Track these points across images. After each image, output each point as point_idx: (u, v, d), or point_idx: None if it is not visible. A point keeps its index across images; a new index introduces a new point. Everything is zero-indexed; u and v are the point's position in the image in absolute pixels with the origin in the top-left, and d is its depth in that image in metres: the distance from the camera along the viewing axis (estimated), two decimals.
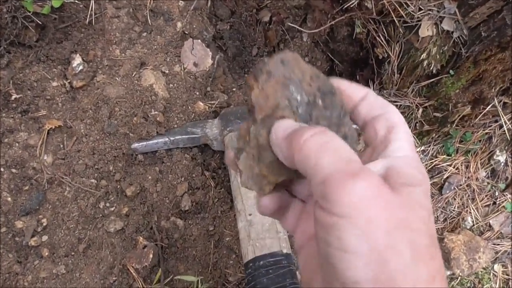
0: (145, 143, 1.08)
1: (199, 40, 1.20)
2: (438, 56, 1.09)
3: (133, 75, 1.13)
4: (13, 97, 1.04)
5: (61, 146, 1.08)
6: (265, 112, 0.31)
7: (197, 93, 1.19)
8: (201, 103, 1.17)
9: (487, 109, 1.15)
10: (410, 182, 0.27)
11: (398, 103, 1.21)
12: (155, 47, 1.17)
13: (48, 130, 1.06)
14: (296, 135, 0.28)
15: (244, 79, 1.26)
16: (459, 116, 1.17)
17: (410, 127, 1.25)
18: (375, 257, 0.23)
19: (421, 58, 1.10)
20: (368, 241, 0.24)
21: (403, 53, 1.11)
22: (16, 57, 1.05)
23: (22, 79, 1.05)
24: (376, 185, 0.25)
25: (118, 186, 1.09)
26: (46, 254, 1.02)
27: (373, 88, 1.20)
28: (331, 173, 0.25)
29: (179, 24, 1.19)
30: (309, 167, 0.27)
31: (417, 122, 1.24)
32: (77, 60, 1.09)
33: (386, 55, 1.13)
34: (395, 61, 1.11)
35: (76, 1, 1.07)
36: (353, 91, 0.35)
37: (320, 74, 0.33)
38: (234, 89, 1.28)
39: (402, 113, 1.26)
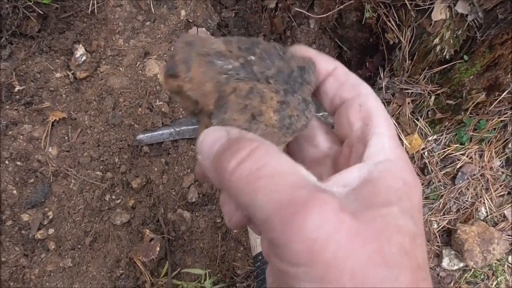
0: (150, 134, 1.06)
1: (204, 28, 1.18)
2: (451, 41, 1.05)
3: (137, 65, 1.11)
4: (16, 89, 1.03)
5: (66, 138, 1.06)
6: (213, 97, 0.26)
7: None
8: None
9: (502, 95, 1.11)
10: (387, 201, 0.22)
11: (410, 91, 1.17)
12: (159, 36, 1.14)
13: (52, 122, 1.05)
14: (221, 161, 0.23)
15: None
16: (473, 103, 1.13)
17: (422, 115, 1.21)
18: None
19: (433, 43, 1.06)
20: None
21: (415, 38, 1.07)
22: (18, 48, 1.03)
23: (25, 71, 1.04)
24: (333, 215, 0.20)
25: (124, 178, 1.08)
26: (53, 247, 1.01)
27: (383, 75, 1.16)
28: (272, 211, 0.20)
29: (183, 12, 1.16)
30: (245, 206, 0.21)
31: (429, 110, 1.20)
32: (80, 51, 1.07)
33: (397, 40, 1.09)
34: (407, 46, 1.07)
35: None
36: (319, 64, 0.29)
37: (231, 38, 0.28)
38: None
39: (413, 101, 1.22)
